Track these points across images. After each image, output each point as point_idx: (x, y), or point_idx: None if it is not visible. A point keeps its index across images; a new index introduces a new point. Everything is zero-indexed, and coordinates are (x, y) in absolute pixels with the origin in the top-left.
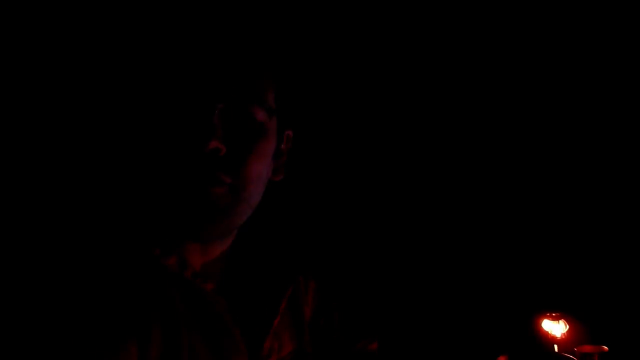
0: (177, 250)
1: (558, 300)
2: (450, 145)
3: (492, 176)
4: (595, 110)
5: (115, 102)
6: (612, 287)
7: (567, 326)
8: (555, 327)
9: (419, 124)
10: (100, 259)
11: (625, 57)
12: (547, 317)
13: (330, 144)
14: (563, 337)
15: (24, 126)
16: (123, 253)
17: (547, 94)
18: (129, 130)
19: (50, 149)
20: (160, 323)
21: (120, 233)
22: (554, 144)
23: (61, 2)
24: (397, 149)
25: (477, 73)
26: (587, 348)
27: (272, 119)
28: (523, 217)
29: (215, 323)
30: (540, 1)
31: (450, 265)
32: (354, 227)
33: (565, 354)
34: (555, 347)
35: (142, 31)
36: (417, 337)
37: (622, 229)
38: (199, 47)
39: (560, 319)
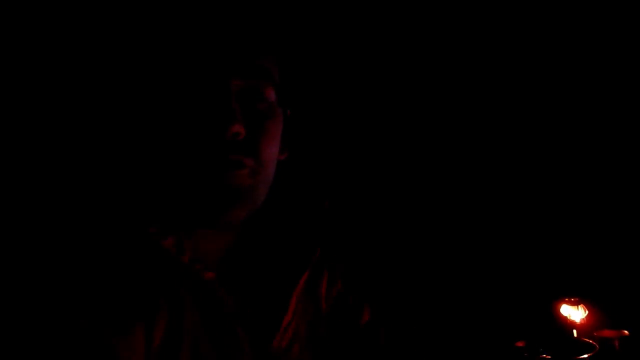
0: (175, 230)
1: (576, 285)
2: (469, 125)
3: (511, 162)
4: (605, 97)
5: (125, 87)
6: (631, 271)
7: (587, 311)
8: (574, 312)
9: (428, 103)
10: (105, 242)
11: (625, 57)
12: (566, 302)
13: (334, 125)
14: (582, 322)
15: (34, 115)
16: (126, 235)
17: (547, 92)
18: (143, 116)
19: (63, 135)
20: (166, 307)
21: (122, 214)
22: (569, 133)
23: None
24: (414, 132)
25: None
26: (607, 333)
27: (278, 97)
28: (541, 203)
29: (217, 317)
30: (541, 1)
31: (469, 251)
32: (366, 211)
33: (585, 339)
34: (575, 332)
35: (148, 17)
36: (435, 324)
37: None
38: (206, 29)
39: (579, 304)
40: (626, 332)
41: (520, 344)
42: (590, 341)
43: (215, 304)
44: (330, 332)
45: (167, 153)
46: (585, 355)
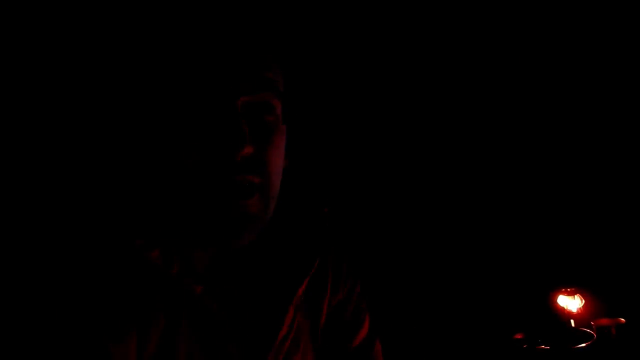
0: (163, 243)
1: (572, 275)
2: (468, 125)
3: (508, 158)
4: (598, 94)
5: (129, 103)
6: (625, 260)
7: (583, 301)
8: (570, 303)
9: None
10: (98, 251)
11: (625, 57)
12: (563, 293)
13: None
14: (579, 311)
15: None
16: (113, 246)
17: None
18: (147, 133)
19: (63, 151)
20: (161, 316)
21: (112, 225)
22: (569, 128)
23: (66, 3)
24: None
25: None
26: (604, 321)
27: (284, 107)
28: (536, 196)
29: (208, 332)
30: (540, 1)
31: (467, 246)
32: (367, 216)
33: (582, 329)
34: (572, 322)
35: (151, 37)
36: (434, 319)
37: (636, 204)
38: (209, 47)
39: (576, 294)
40: (622, 319)
41: (518, 335)
42: (588, 330)
43: (207, 318)
44: (327, 344)
45: (171, 171)
46: (583, 344)
